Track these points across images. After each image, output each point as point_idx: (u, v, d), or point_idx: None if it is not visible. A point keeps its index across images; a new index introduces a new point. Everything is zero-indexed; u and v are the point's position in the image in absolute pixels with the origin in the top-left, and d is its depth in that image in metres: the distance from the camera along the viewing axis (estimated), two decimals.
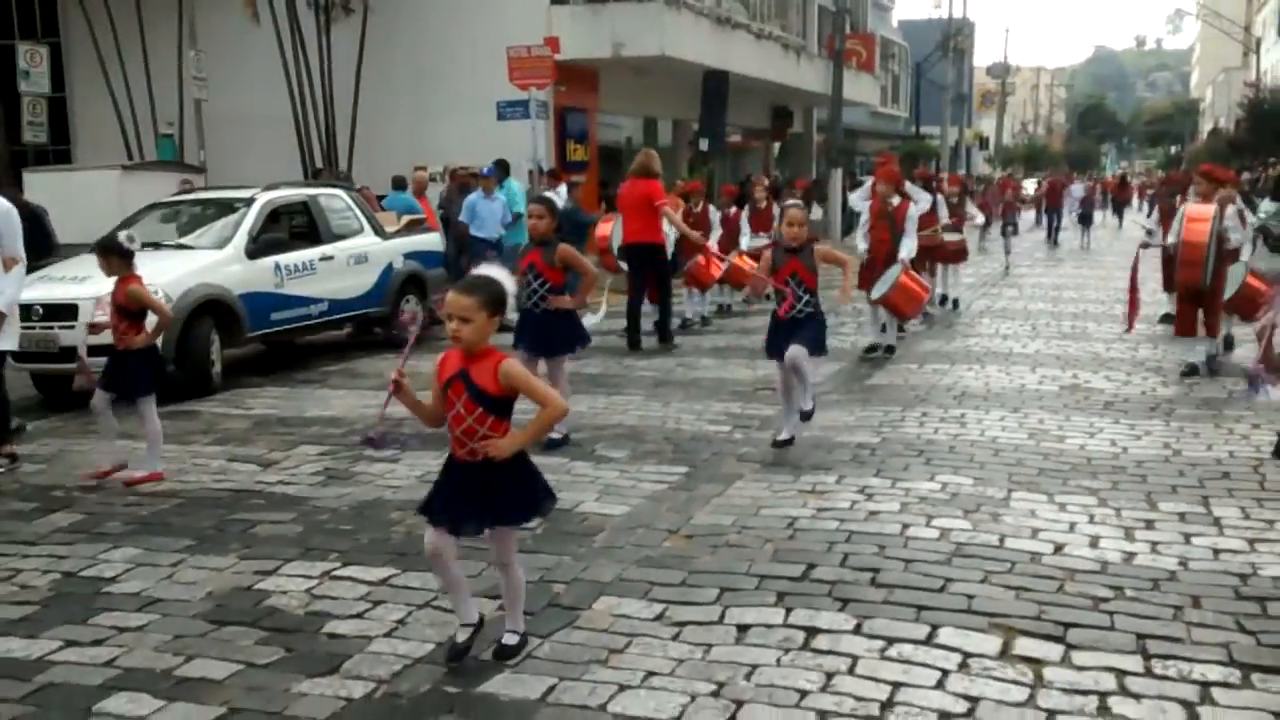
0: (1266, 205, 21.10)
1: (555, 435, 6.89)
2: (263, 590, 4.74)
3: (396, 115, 22.56)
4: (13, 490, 6.55)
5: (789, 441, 6.82)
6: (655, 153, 11.90)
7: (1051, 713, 3.56)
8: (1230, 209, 9.05)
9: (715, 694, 3.69)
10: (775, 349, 6.81)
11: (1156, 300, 12.13)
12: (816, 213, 16.08)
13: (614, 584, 4.71)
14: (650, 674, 3.86)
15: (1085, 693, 3.69)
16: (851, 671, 3.85)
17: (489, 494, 3.81)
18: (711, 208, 13.78)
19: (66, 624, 4.42)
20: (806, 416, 6.94)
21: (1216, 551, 5.02)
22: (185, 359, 9.34)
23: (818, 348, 6.80)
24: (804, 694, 3.69)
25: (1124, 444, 6.97)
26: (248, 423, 8.30)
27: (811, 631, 4.17)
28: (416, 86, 22.80)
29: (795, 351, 6.62)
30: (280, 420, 8.32)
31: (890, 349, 10.42)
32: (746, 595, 4.54)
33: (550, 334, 7.02)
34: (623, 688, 3.75)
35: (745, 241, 13.72)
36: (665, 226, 11.44)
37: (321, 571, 4.92)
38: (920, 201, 11.33)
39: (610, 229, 12.85)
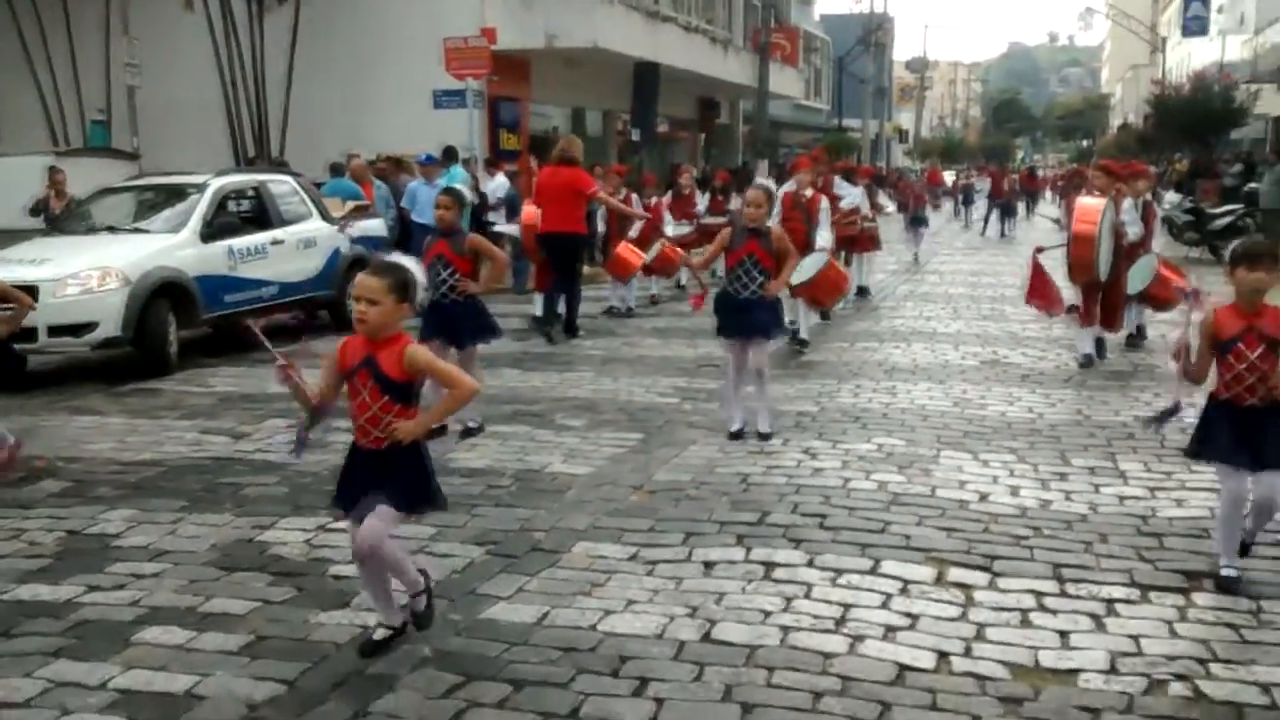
0: (1170, 197, 22.25)
1: (471, 424, 7.01)
2: (264, 541, 5.14)
3: (330, 103, 22.63)
4: None
5: (740, 434, 6.78)
6: (577, 139, 11.84)
7: (981, 625, 4.13)
8: (1126, 202, 9.16)
9: (691, 615, 4.20)
10: (731, 329, 6.83)
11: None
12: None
13: (589, 531, 5.19)
14: (630, 602, 4.35)
15: (1009, 610, 4.27)
16: (808, 596, 4.38)
17: (387, 477, 3.80)
18: (635, 196, 13.84)
19: (84, 572, 4.77)
20: (764, 437, 6.74)
21: (1122, 498, 5.66)
22: (144, 339, 9.60)
23: (777, 328, 6.94)
24: (768, 614, 4.21)
25: (1040, 410, 7.62)
26: (212, 399, 8.60)
27: (770, 566, 4.70)
28: (350, 75, 22.89)
29: (759, 358, 6.77)
30: (244, 397, 8.64)
31: (803, 342, 9.98)
32: (710, 538, 5.05)
33: (460, 324, 6.96)
34: (608, 613, 4.24)
35: (669, 229, 13.97)
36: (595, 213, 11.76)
37: (315, 525, 5.33)
38: (848, 197, 11.71)
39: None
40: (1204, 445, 4.48)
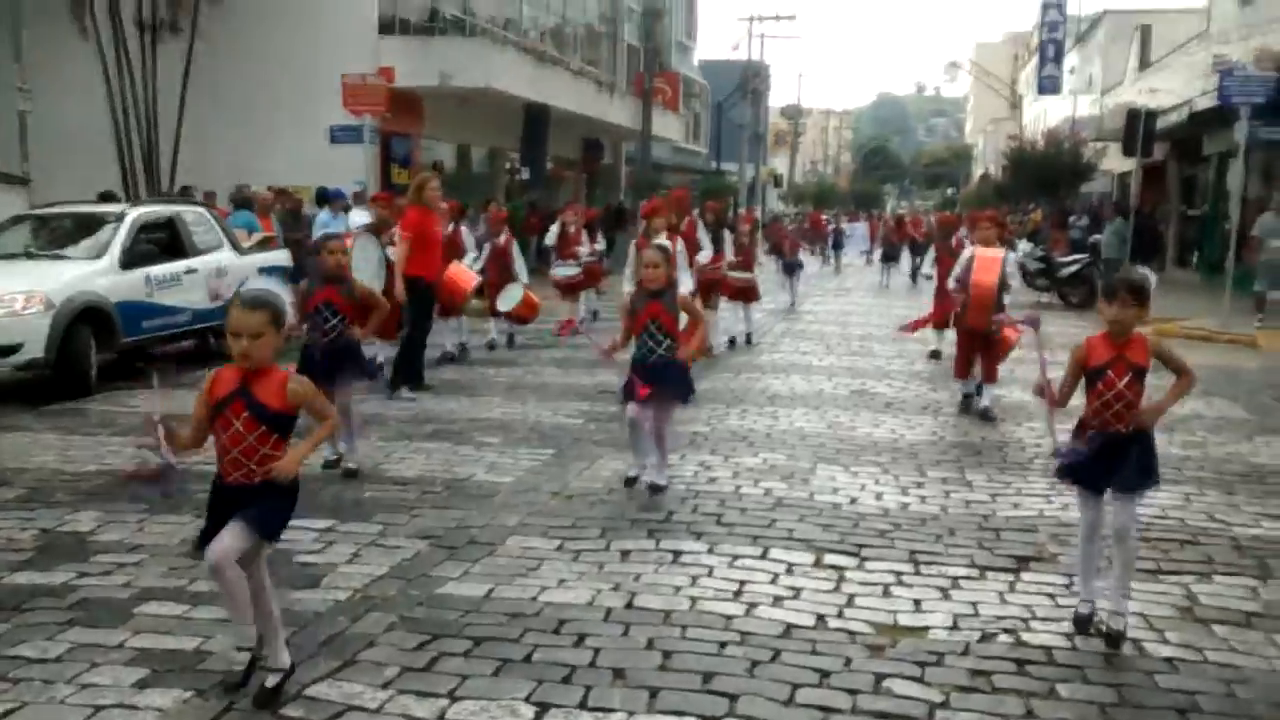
0: (1024, 246, 24.01)
1: (331, 457, 7.16)
2: None
3: (223, 135, 22.88)
4: None
5: (634, 480, 6.71)
6: (425, 173, 11.37)
7: (851, 595, 5.05)
8: (1010, 255, 9.46)
9: (614, 590, 5.02)
10: (634, 393, 6.43)
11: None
12: (601, 243, 16.77)
13: (518, 527, 5.97)
14: (562, 580, 5.15)
15: (874, 584, 5.20)
16: (710, 575, 5.25)
17: (251, 504, 3.78)
18: (464, 229, 12.68)
19: (70, 561, 5.36)
20: (658, 491, 6.59)
21: (968, 502, 6.69)
22: (66, 361, 10.00)
23: (687, 394, 6.68)
24: (678, 588, 5.06)
25: (901, 432, 8.67)
26: (140, 417, 9.07)
27: (678, 553, 5.55)
28: (244, 107, 23.20)
29: (661, 421, 6.58)
30: (172, 416, 9.11)
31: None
32: (624, 532, 5.88)
33: (339, 365, 6.98)
34: (544, 588, 5.03)
35: (556, 270, 14.51)
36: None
37: None
38: (704, 249, 11.63)
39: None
40: (1067, 469, 4.68)
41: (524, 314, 12.81)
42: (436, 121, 25.92)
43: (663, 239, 9.56)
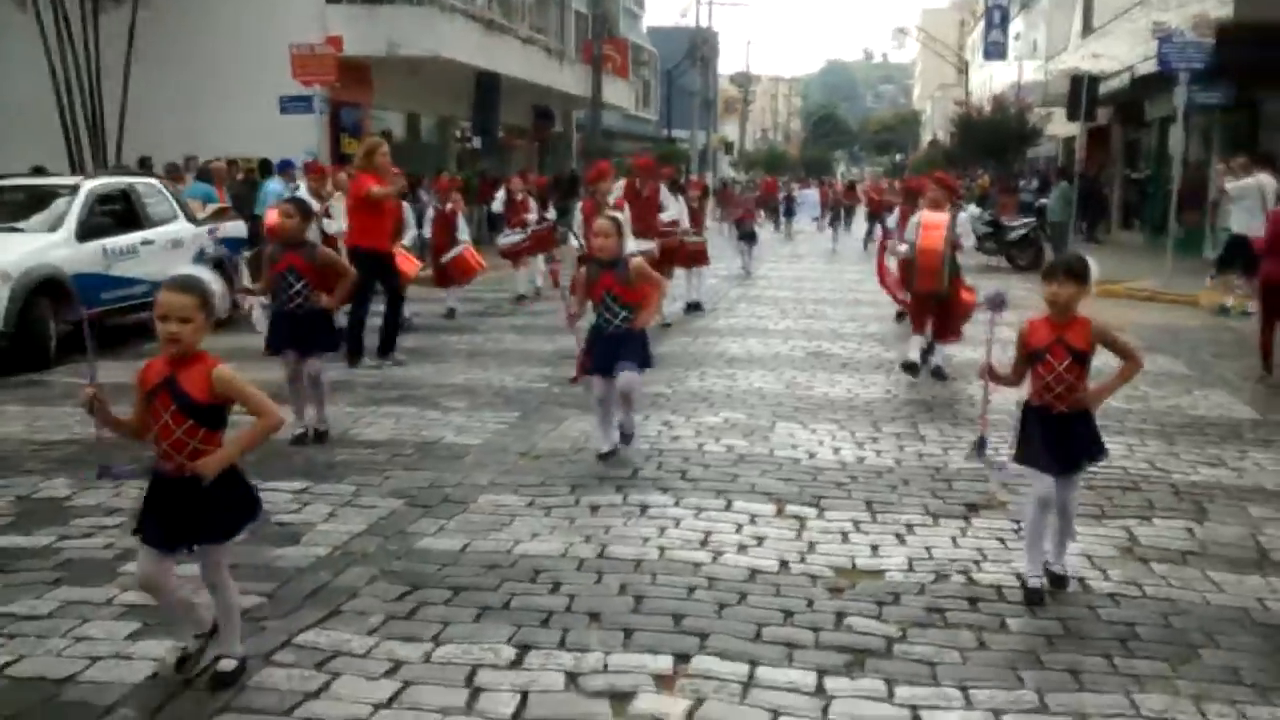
0: (972, 209, 24.37)
1: (297, 432, 7.05)
2: None
3: (170, 106, 22.60)
4: None
5: (612, 453, 6.69)
6: (373, 137, 11.23)
7: (812, 542, 5.28)
8: (961, 215, 9.37)
9: (586, 541, 5.22)
10: (599, 365, 6.54)
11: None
12: (552, 211, 16.91)
13: (489, 486, 6.14)
14: (535, 534, 5.34)
15: (833, 532, 5.44)
16: (677, 526, 5.47)
17: (197, 510, 3.62)
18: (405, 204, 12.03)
19: (50, 525, 5.46)
20: (627, 440, 6.79)
21: (921, 454, 6.96)
22: (26, 334, 10.00)
23: (645, 363, 6.68)
24: (647, 539, 5.27)
25: (856, 391, 8.94)
26: (104, 389, 9.10)
27: (645, 506, 5.76)
28: (190, 78, 22.93)
29: (628, 380, 6.48)
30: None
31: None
32: (593, 488, 6.08)
33: (308, 334, 7.01)
34: (518, 541, 5.22)
35: (502, 238, 14.79)
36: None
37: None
38: (670, 209, 11.76)
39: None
40: (1020, 450, 4.73)
41: (456, 274, 13.20)
42: (385, 91, 25.77)
43: (611, 202, 9.86)
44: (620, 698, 3.72)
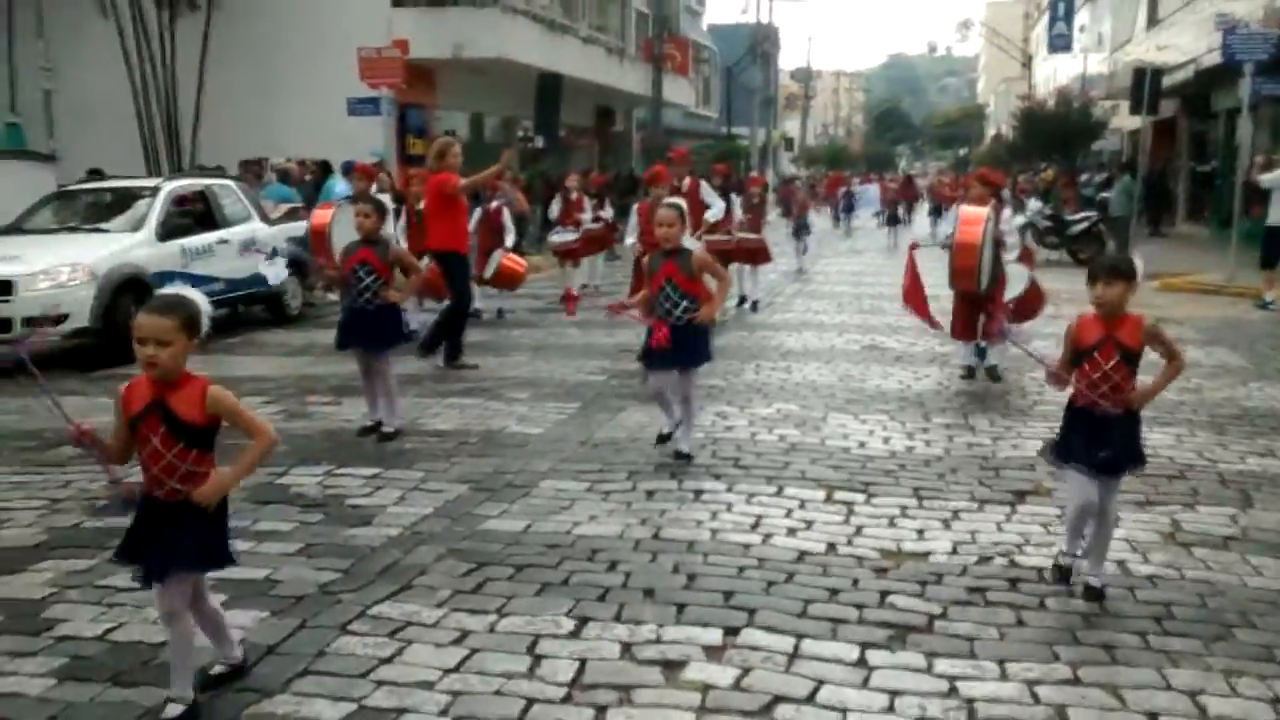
0: (1033, 204, 24.25)
1: (367, 424, 7.35)
2: (284, 484, 6.25)
3: (242, 109, 23.28)
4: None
5: (668, 437, 6.79)
6: (448, 139, 10.57)
7: (859, 526, 5.48)
8: (1006, 212, 8.96)
9: (642, 524, 5.48)
10: (659, 360, 6.52)
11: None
12: (610, 210, 16.87)
13: (549, 473, 6.41)
14: (593, 517, 5.60)
15: (880, 517, 5.64)
16: (729, 510, 5.70)
17: (182, 536, 3.54)
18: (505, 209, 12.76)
19: None
20: (685, 458, 6.62)
21: (970, 444, 7.11)
22: (111, 329, 10.47)
23: (706, 357, 6.68)
24: (700, 522, 5.51)
25: (909, 383, 9.09)
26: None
27: (698, 492, 6.00)
28: (261, 81, 23.59)
29: (688, 387, 6.60)
30: (216, 379, 9.58)
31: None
32: (648, 475, 6.33)
33: (378, 332, 7.21)
34: (576, 523, 5.49)
35: (554, 236, 14.78)
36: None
37: (323, 471, 6.46)
38: (714, 207, 11.25)
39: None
40: (1059, 449, 4.62)
41: (502, 283, 12.74)
42: (450, 92, 26.26)
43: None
44: (672, 666, 3.96)
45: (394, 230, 10.40)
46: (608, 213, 16.57)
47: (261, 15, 23.70)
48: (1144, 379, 4.59)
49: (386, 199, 10.87)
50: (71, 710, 3.67)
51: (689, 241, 7.99)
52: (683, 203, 7.25)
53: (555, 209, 15.21)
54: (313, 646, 4.11)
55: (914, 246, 8.97)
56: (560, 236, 14.71)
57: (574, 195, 15.04)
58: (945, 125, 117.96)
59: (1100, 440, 4.48)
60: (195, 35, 22.66)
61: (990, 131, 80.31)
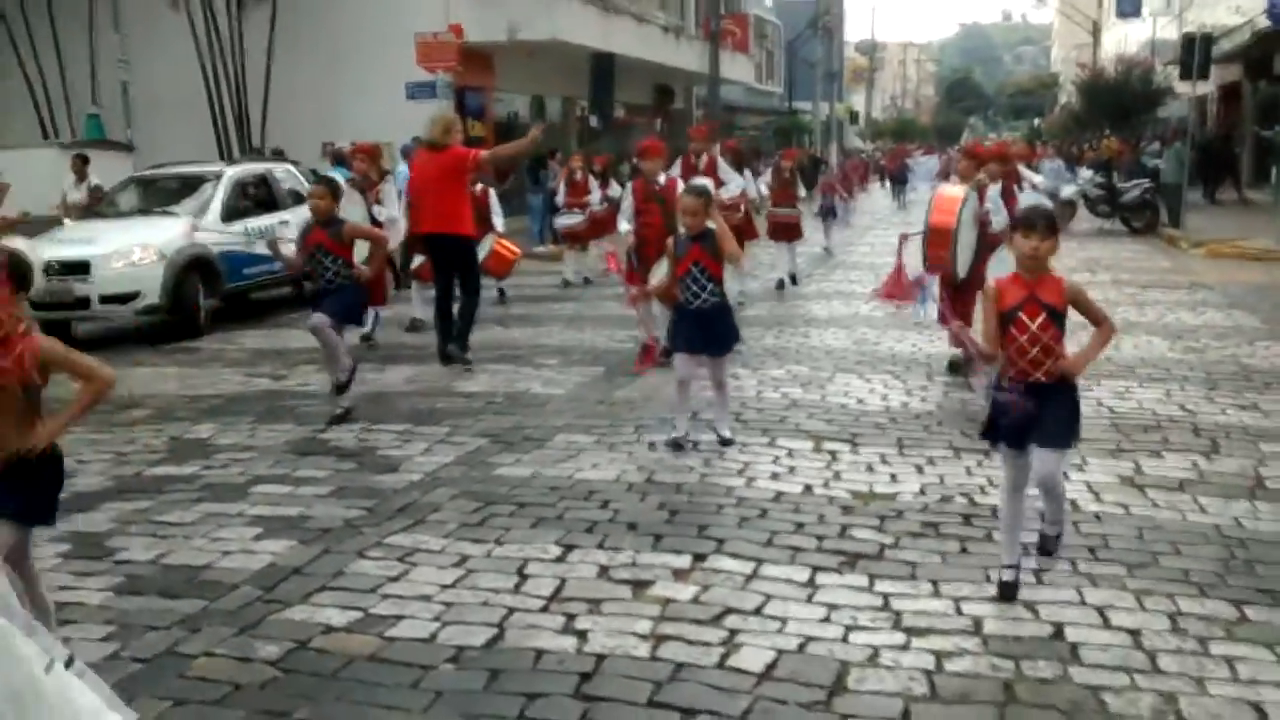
0: (1085, 173, 24.23)
1: (340, 409, 7.37)
2: (324, 439, 6.93)
3: (307, 96, 24.11)
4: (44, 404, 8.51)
5: (681, 445, 6.45)
6: (450, 117, 9.91)
7: (839, 472, 5.99)
8: (991, 190, 8.19)
9: (638, 470, 6.05)
10: (684, 342, 6.45)
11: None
12: (615, 191, 16.60)
13: (564, 427, 7.00)
14: (595, 464, 6.18)
15: (860, 464, 6.13)
16: (721, 458, 6.25)
17: (9, 483, 3.43)
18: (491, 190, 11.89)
19: (196, 459, 6.55)
20: (726, 443, 6.52)
21: (964, 401, 7.54)
22: (179, 305, 11.28)
23: (736, 338, 6.65)
24: (691, 468, 6.07)
25: (922, 346, 9.51)
26: (248, 353, 10.32)
27: (695, 443, 6.53)
28: (325, 68, 24.40)
29: (718, 372, 6.55)
30: (274, 351, 10.35)
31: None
32: (654, 429, 6.87)
33: (344, 300, 7.32)
34: (579, 469, 6.07)
35: (560, 219, 14.52)
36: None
37: (360, 428, 7.12)
38: (730, 184, 10.48)
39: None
40: (989, 430, 4.38)
41: (494, 268, 11.50)
42: (507, 74, 26.87)
43: (662, 180, 8.80)
44: (641, 585, 4.52)
45: (398, 213, 10.32)
46: (614, 192, 16.15)
47: (325, 5, 24.49)
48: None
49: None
50: (123, 614, 4.34)
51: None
52: (709, 184, 7.18)
53: (561, 191, 14.93)
54: (332, 568, 4.73)
55: (904, 238, 8.15)
56: (567, 219, 14.56)
57: (578, 176, 14.73)
58: (1018, 95, 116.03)
59: (1034, 411, 4.18)
60: (262, 26, 23.54)
61: (1062, 100, 78.96)
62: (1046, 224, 4.26)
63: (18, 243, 3.72)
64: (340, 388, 7.46)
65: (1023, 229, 4.25)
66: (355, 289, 7.41)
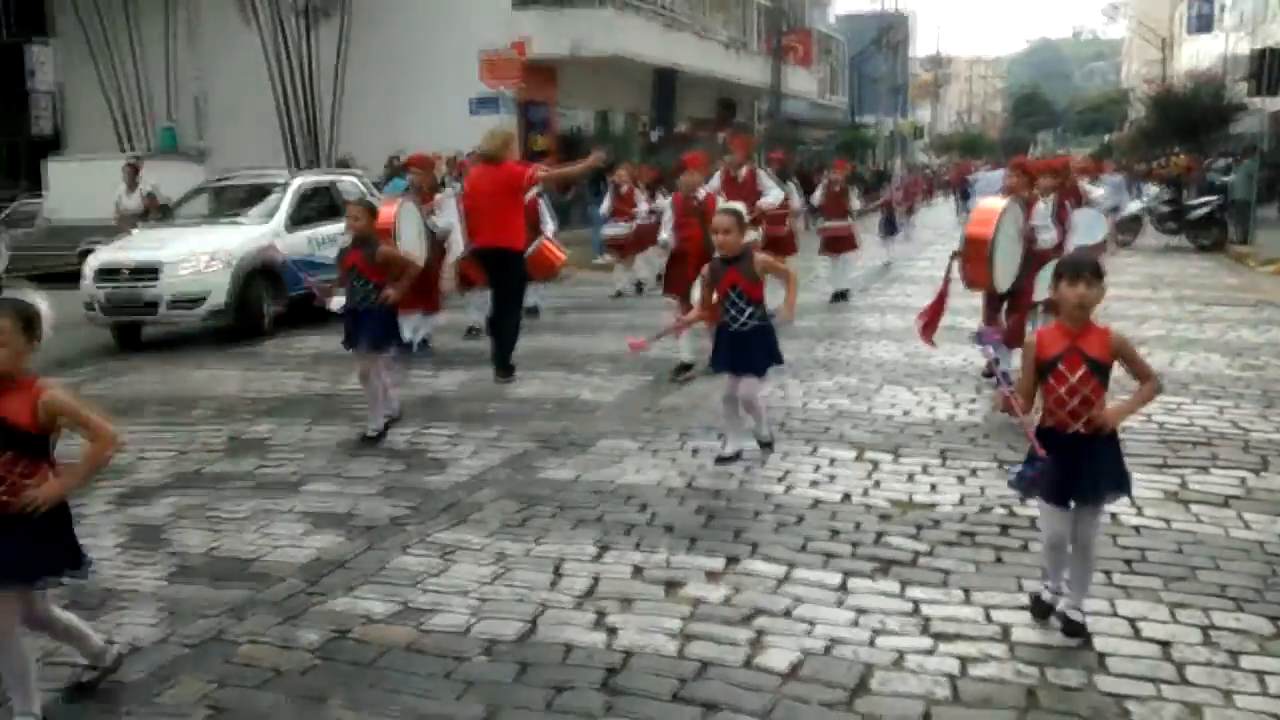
0: (1150, 189, 23.90)
1: (388, 415, 7.20)
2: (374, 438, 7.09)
3: (375, 108, 24.61)
4: (113, 402, 8.80)
5: (734, 458, 6.38)
6: (505, 131, 10.14)
7: (879, 481, 6.01)
8: (1039, 205, 7.99)
9: (679, 475, 6.13)
10: (724, 364, 6.44)
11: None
12: (661, 203, 16.51)
13: (610, 433, 7.11)
14: (638, 469, 6.28)
15: (902, 474, 6.15)
16: (762, 465, 6.30)
17: (10, 538, 3.34)
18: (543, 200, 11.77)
19: (253, 455, 6.78)
20: (767, 446, 6.55)
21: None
22: (244, 310, 11.58)
23: (774, 358, 6.44)
24: (732, 475, 6.13)
25: (973, 359, 9.45)
26: (308, 356, 10.58)
27: (738, 452, 6.57)
28: (393, 82, 24.87)
29: (747, 390, 6.34)
30: (333, 355, 10.53)
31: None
32: (698, 436, 6.96)
33: (370, 330, 7.06)
34: (622, 474, 6.17)
35: (605, 229, 14.65)
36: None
37: (413, 430, 7.28)
38: (769, 194, 10.36)
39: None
40: (1025, 478, 4.11)
41: (537, 269, 10.81)
42: (571, 89, 27.18)
43: (702, 194, 8.86)
44: (673, 585, 4.60)
45: (455, 220, 10.19)
46: (660, 205, 16.20)
47: (393, 21, 24.98)
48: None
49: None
50: (175, 601, 4.52)
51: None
52: (741, 206, 6.98)
53: (607, 203, 14.98)
54: (376, 563, 4.88)
55: (954, 256, 7.78)
56: (613, 230, 14.62)
57: (624, 188, 14.73)
58: (1087, 111, 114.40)
59: (1073, 466, 4.01)
60: (332, 40, 24.07)
61: (1131, 116, 77.81)
62: (1093, 272, 4.02)
63: (30, 295, 3.48)
64: (374, 437, 7.06)
65: (1068, 277, 4.01)
66: (383, 313, 7.11)
